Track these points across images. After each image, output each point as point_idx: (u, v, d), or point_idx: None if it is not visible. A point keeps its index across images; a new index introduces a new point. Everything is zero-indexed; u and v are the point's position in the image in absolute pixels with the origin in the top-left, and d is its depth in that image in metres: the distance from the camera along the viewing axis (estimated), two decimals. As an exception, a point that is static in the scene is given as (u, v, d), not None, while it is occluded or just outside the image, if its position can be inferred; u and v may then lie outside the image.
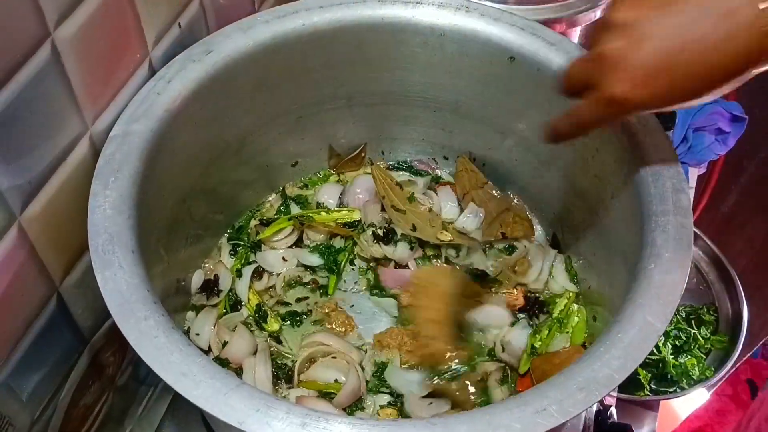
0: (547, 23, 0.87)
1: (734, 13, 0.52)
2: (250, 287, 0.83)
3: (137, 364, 0.81)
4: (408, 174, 0.96)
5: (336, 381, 0.76)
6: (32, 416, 0.65)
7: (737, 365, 1.15)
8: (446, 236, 0.86)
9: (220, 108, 0.76)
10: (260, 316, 0.81)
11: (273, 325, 0.81)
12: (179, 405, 0.80)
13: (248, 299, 0.82)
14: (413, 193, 0.90)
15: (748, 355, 1.40)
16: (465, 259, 0.87)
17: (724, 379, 1.14)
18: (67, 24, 0.57)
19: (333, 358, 0.77)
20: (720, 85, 0.55)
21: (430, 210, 0.89)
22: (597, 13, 0.95)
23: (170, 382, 0.51)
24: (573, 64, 0.61)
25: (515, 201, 0.92)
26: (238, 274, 0.84)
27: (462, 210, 0.90)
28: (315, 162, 0.94)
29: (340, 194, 0.92)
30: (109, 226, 0.59)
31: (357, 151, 0.95)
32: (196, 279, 0.83)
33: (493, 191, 0.91)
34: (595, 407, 0.85)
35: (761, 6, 0.51)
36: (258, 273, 0.84)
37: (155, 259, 0.69)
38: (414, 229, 0.86)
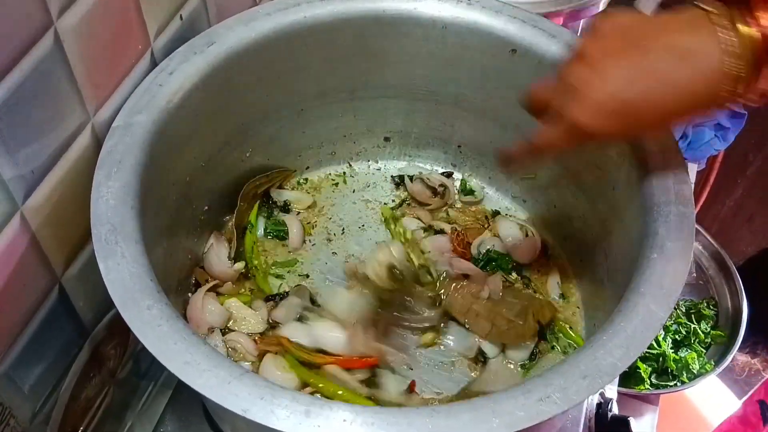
0: (549, 16, 0.87)
1: (696, 54, 0.53)
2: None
3: (138, 358, 0.81)
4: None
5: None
6: (34, 408, 0.65)
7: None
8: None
9: (223, 100, 0.76)
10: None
11: None
12: (180, 399, 0.79)
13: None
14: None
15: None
16: None
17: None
18: (69, 13, 0.57)
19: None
20: (681, 121, 0.57)
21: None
22: (599, 6, 0.96)
23: (174, 371, 0.51)
24: (538, 86, 0.63)
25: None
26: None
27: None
28: (315, 156, 0.94)
29: None
30: (111, 216, 0.59)
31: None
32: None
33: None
34: (596, 400, 0.85)
35: (724, 45, 0.52)
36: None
37: (158, 249, 0.69)
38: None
